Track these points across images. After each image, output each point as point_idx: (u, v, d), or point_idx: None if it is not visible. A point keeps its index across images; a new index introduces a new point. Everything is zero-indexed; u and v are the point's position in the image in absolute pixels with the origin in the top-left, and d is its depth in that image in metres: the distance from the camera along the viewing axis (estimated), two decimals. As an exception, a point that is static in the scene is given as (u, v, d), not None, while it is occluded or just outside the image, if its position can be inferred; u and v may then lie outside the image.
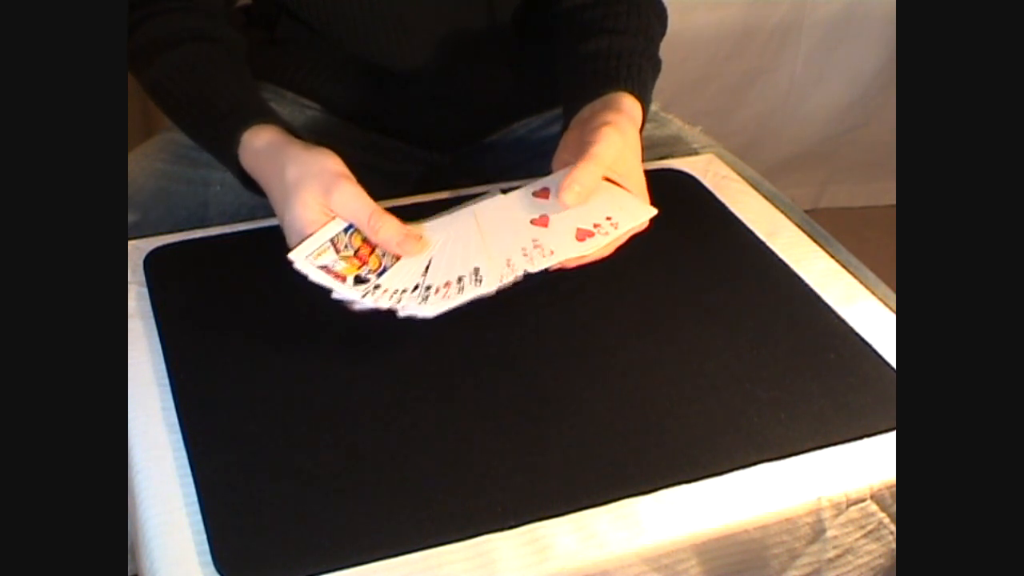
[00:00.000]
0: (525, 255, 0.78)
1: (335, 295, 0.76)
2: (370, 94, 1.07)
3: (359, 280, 0.77)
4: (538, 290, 0.86)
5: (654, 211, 0.82)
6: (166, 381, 0.78)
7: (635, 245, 0.84)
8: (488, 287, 0.76)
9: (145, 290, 0.86)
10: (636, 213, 0.82)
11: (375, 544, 0.66)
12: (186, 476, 0.71)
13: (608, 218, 0.80)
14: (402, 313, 0.75)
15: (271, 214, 0.96)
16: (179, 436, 0.73)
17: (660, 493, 0.71)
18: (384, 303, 0.75)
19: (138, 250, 0.90)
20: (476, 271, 0.77)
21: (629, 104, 0.88)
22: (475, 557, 0.66)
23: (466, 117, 1.09)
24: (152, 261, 0.89)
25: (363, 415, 0.76)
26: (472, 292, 0.76)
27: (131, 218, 0.98)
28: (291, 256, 0.77)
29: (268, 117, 0.86)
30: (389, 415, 0.76)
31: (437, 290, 0.76)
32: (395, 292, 0.76)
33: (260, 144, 0.84)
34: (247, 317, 0.84)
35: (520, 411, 0.76)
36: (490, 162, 1.13)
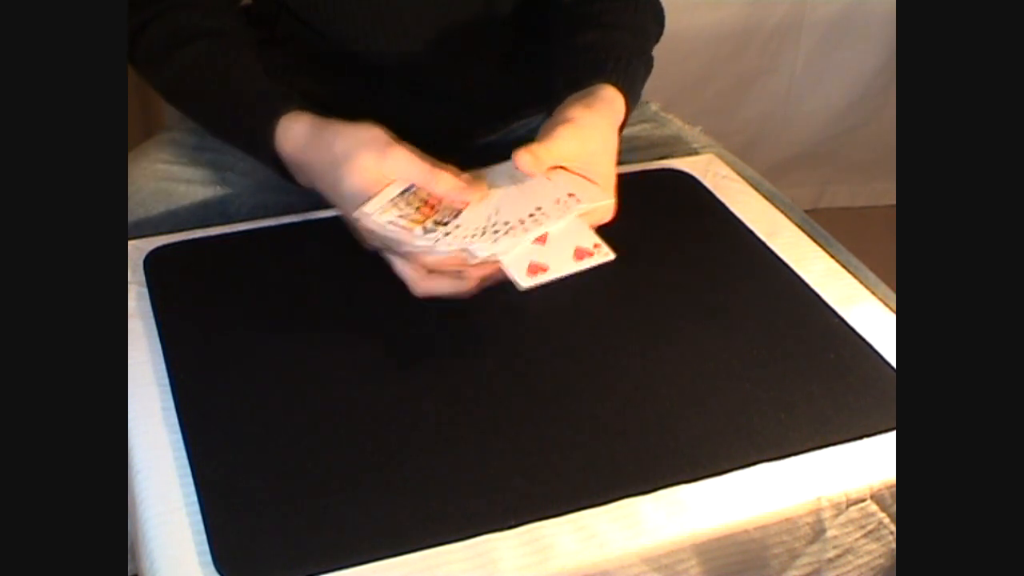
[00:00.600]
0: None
1: (404, 247, 0.77)
2: (370, 94, 1.07)
3: (426, 231, 0.78)
4: (536, 290, 0.86)
5: (606, 198, 0.81)
6: (166, 381, 0.78)
7: (635, 245, 0.84)
8: (550, 225, 0.77)
9: (145, 290, 0.86)
10: (586, 197, 0.81)
11: (375, 544, 0.66)
12: (186, 476, 0.71)
13: (571, 195, 0.80)
14: (479, 252, 0.76)
15: (271, 214, 0.97)
16: (179, 436, 0.73)
17: (660, 493, 0.71)
18: (456, 244, 0.76)
19: (138, 250, 0.90)
20: (539, 209, 0.79)
21: (610, 96, 0.87)
22: (475, 557, 0.66)
23: (466, 117, 1.09)
24: (152, 261, 0.89)
25: (363, 415, 0.76)
26: (536, 230, 0.77)
27: (131, 218, 0.98)
28: (360, 212, 0.78)
29: (297, 103, 0.87)
30: (389, 415, 0.76)
31: (507, 230, 0.77)
32: (465, 235, 0.77)
33: (300, 128, 0.85)
34: (247, 317, 0.84)
35: (520, 411, 0.76)
36: (491, 162, 1.13)
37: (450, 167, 0.80)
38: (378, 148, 0.80)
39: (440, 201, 0.80)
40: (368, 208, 0.78)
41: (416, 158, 0.80)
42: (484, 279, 0.79)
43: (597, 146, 0.83)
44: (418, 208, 0.79)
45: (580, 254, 0.75)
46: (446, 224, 0.78)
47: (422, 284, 0.79)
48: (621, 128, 0.89)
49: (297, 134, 0.85)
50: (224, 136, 0.96)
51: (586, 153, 0.82)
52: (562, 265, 0.75)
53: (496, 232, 0.77)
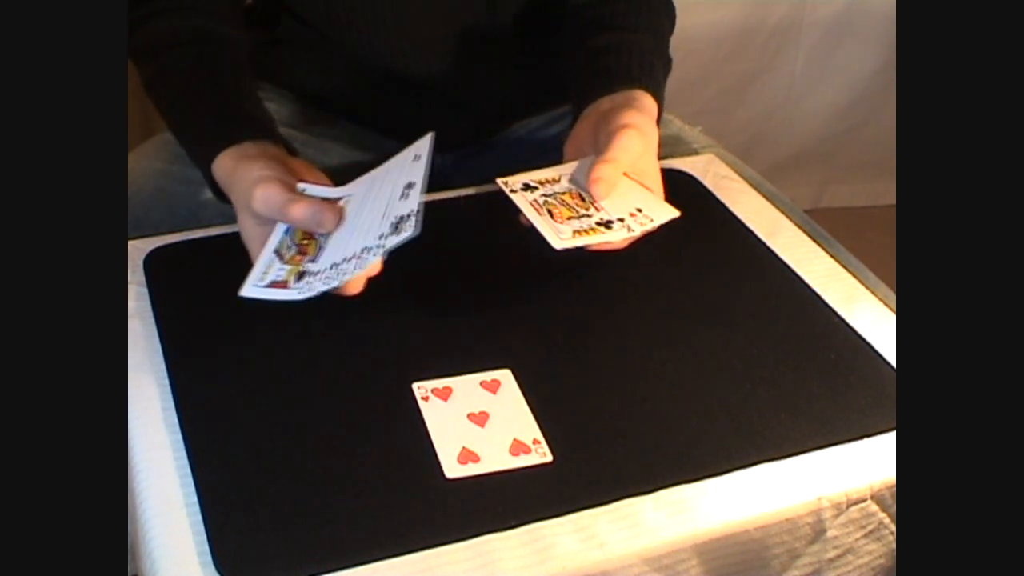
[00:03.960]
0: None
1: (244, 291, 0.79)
2: (370, 94, 1.07)
3: (300, 276, 0.79)
4: (537, 290, 0.86)
5: (677, 212, 0.84)
6: (166, 381, 0.78)
7: (635, 245, 0.84)
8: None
9: (145, 290, 0.86)
10: (662, 212, 0.84)
11: (375, 544, 0.66)
12: (186, 476, 0.71)
13: (639, 210, 0.83)
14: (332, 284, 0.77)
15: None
16: (179, 436, 0.73)
17: (660, 493, 0.71)
18: (319, 287, 0.77)
19: (138, 250, 0.90)
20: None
21: (648, 103, 0.88)
22: (475, 557, 0.66)
23: (467, 117, 1.09)
24: (152, 261, 0.89)
25: (363, 415, 0.76)
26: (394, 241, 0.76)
27: (131, 218, 0.98)
28: (241, 293, 0.79)
29: (237, 136, 0.86)
30: (389, 414, 0.76)
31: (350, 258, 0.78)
32: (327, 271, 0.78)
33: (221, 175, 0.86)
34: (247, 317, 0.84)
35: (520, 411, 0.76)
36: (490, 162, 1.13)
37: (304, 199, 0.80)
38: (247, 196, 0.80)
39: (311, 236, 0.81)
40: (249, 281, 0.80)
41: (276, 193, 0.79)
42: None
43: (653, 152, 0.85)
44: (300, 246, 0.80)
45: (516, 449, 0.73)
46: (316, 259, 0.79)
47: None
48: None
49: (220, 179, 0.87)
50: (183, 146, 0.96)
51: (644, 159, 0.84)
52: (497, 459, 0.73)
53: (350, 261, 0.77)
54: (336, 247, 0.80)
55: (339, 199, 0.83)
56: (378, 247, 0.76)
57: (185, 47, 0.92)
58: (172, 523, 0.68)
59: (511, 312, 0.85)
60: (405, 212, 0.76)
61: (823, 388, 0.79)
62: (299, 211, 0.79)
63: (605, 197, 0.82)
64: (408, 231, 0.74)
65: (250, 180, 0.81)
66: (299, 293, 0.78)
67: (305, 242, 0.81)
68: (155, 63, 0.93)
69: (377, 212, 0.79)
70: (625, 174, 0.84)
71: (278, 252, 0.81)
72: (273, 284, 0.79)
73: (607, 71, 0.91)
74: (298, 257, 0.80)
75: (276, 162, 0.84)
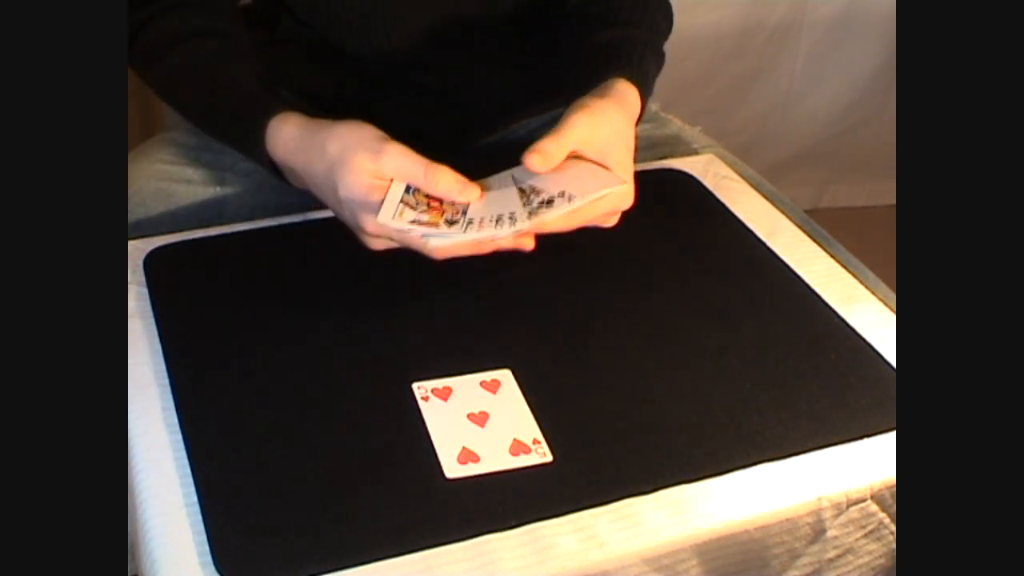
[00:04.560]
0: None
1: (434, 242, 0.78)
2: (370, 94, 1.07)
3: (450, 223, 0.79)
4: (536, 289, 0.86)
5: (619, 183, 0.81)
6: (166, 381, 0.78)
7: (635, 245, 0.84)
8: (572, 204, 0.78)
9: (145, 290, 0.86)
10: (599, 183, 0.81)
11: (375, 544, 0.66)
12: (186, 476, 0.71)
13: (562, 192, 0.80)
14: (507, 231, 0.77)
15: (271, 215, 0.96)
16: (179, 436, 0.73)
17: (660, 493, 0.71)
18: (488, 230, 0.77)
19: (138, 250, 0.90)
20: (561, 194, 0.79)
21: (623, 88, 0.88)
22: (475, 557, 0.66)
23: (467, 117, 1.09)
24: (152, 261, 0.89)
25: (363, 414, 0.76)
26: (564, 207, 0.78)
27: (131, 218, 0.98)
28: (380, 219, 0.78)
29: (288, 105, 0.87)
30: (389, 415, 0.76)
31: (535, 207, 0.79)
32: (491, 219, 0.78)
33: (290, 130, 0.85)
34: (247, 317, 0.84)
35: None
36: (490, 162, 1.13)
37: (445, 166, 0.80)
38: (373, 148, 0.80)
39: (440, 200, 0.80)
40: (382, 217, 0.78)
41: (413, 155, 0.80)
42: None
43: (610, 133, 0.83)
44: (427, 206, 0.79)
45: (516, 449, 0.73)
46: (457, 221, 0.79)
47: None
48: (637, 122, 0.89)
49: (287, 137, 0.85)
50: (218, 137, 0.96)
51: (599, 139, 0.82)
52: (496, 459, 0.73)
53: (512, 218, 0.78)
54: (483, 209, 0.80)
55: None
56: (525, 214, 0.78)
57: (199, 38, 0.92)
58: (172, 523, 0.68)
59: (511, 312, 0.85)
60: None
61: (823, 388, 0.79)
62: (445, 178, 0.79)
63: (541, 169, 0.80)
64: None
65: (375, 135, 0.81)
66: (464, 232, 0.78)
67: (436, 204, 0.80)
68: (169, 58, 0.92)
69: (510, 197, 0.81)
70: (579, 155, 0.82)
71: (405, 203, 0.79)
72: (418, 223, 0.78)
73: (595, 65, 0.91)
74: (433, 211, 0.79)
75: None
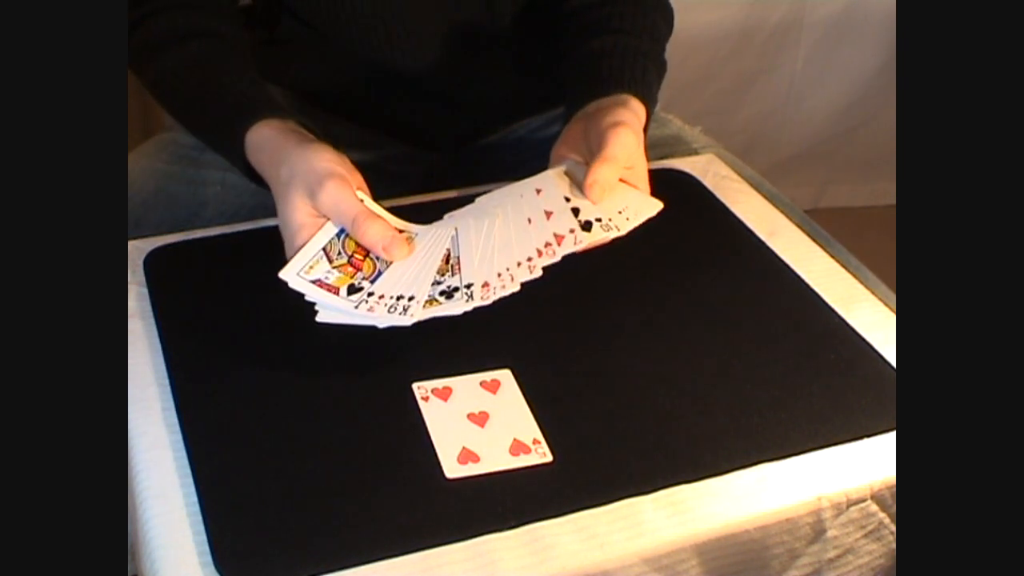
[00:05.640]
0: (528, 262, 0.77)
1: (321, 316, 0.75)
2: (371, 95, 1.07)
3: (353, 289, 0.76)
4: (537, 290, 0.86)
5: (660, 205, 0.82)
6: (166, 381, 0.78)
7: (635, 245, 0.84)
8: (479, 302, 0.74)
9: (145, 290, 0.86)
10: (646, 207, 0.81)
11: (375, 544, 0.66)
12: (186, 476, 0.71)
13: (620, 212, 0.80)
14: (383, 324, 0.73)
15: (271, 214, 0.96)
16: (179, 436, 0.73)
17: (660, 493, 0.71)
18: (381, 313, 0.74)
19: (138, 250, 0.90)
20: (469, 287, 0.75)
21: (635, 105, 0.88)
22: (475, 557, 0.66)
23: (467, 117, 1.09)
24: (152, 261, 0.89)
25: (363, 415, 0.76)
26: (460, 307, 0.74)
27: (131, 218, 0.98)
28: (282, 275, 0.76)
29: (270, 112, 0.86)
30: (389, 415, 0.76)
31: (423, 302, 0.74)
32: (389, 299, 0.75)
33: (261, 141, 0.84)
34: (247, 317, 0.84)
35: (520, 411, 0.76)
36: (490, 162, 1.13)
37: (382, 216, 0.77)
38: (310, 183, 0.76)
39: (366, 252, 0.77)
40: (285, 271, 0.76)
41: (350, 199, 0.76)
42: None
43: (639, 147, 0.84)
44: (351, 256, 0.76)
45: (516, 449, 0.73)
46: (376, 279, 0.76)
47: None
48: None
49: (258, 146, 0.84)
50: (201, 139, 0.95)
51: (635, 155, 0.83)
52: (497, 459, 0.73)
53: (412, 300, 0.74)
54: (397, 278, 0.76)
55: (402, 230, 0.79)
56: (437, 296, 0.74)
57: (194, 39, 0.92)
58: (172, 523, 0.68)
59: (511, 312, 0.85)
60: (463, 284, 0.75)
61: (823, 388, 0.79)
62: (374, 232, 0.75)
63: (601, 200, 0.79)
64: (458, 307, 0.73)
65: (319, 169, 0.77)
66: (355, 308, 0.74)
67: (359, 256, 0.77)
68: (163, 57, 0.92)
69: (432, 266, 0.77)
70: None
71: (326, 252, 0.77)
72: (320, 283, 0.75)
73: (600, 75, 0.91)
74: (350, 268, 0.76)
75: (335, 153, 0.80)
